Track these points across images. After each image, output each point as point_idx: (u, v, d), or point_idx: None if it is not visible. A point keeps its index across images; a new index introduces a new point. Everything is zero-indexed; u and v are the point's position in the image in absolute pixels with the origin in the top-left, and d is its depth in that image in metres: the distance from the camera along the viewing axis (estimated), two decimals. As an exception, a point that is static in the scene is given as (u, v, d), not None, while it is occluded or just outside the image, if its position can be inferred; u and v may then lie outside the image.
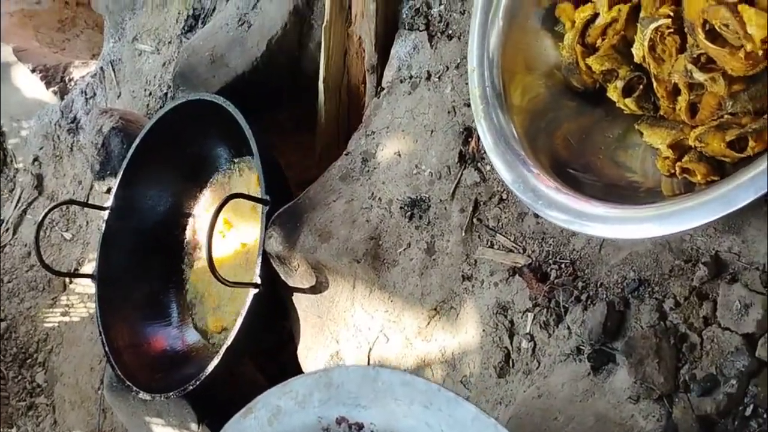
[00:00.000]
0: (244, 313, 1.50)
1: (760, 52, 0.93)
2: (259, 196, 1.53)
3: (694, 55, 1.00)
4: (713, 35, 0.97)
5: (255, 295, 1.50)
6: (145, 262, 1.89)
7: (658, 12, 1.05)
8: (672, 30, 1.04)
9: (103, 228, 1.88)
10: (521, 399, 1.16)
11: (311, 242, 1.46)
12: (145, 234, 1.91)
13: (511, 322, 1.26)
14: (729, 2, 0.95)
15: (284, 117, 1.88)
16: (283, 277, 1.52)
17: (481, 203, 1.34)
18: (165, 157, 1.87)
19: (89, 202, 2.16)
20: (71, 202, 1.92)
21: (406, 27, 1.56)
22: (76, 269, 2.26)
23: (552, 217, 1.04)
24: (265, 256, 1.51)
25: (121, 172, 1.87)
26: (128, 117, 2.06)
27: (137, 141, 1.85)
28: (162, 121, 1.80)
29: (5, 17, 2.79)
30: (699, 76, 1.00)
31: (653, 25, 1.05)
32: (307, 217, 1.49)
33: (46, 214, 1.80)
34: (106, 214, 1.88)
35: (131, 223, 1.89)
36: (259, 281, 1.49)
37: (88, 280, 1.97)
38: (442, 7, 1.51)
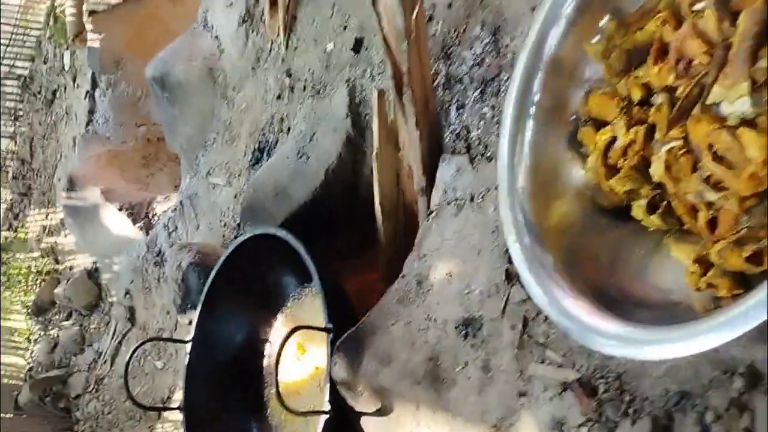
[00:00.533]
0: (318, 435, 1.56)
1: (763, 172, 0.96)
2: (322, 326, 1.61)
3: (705, 176, 1.04)
4: (720, 156, 1.01)
5: (326, 421, 1.56)
6: (228, 391, 1.98)
7: (668, 135, 1.09)
8: (684, 150, 1.08)
9: (187, 360, 1.98)
10: None
11: (373, 367, 1.52)
12: (227, 363, 2.00)
13: (568, 437, 1.28)
14: (730, 126, 1.00)
15: (343, 243, 1.96)
16: (350, 402, 1.58)
17: (530, 320, 1.38)
18: (239, 289, 1.97)
19: (176, 333, 2.28)
20: (153, 339, 2.04)
21: (449, 151, 1.64)
22: (169, 397, 2.37)
23: (585, 340, 1.08)
24: (333, 382, 1.57)
25: (200, 306, 1.98)
26: (205, 250, 2.19)
27: (212, 276, 1.96)
28: (232, 256, 1.91)
29: (92, 160, 3.00)
30: (710, 196, 1.03)
31: (665, 147, 1.09)
32: (369, 342, 1.56)
33: (133, 353, 1.91)
34: (188, 346, 1.99)
35: (213, 353, 1.99)
36: (328, 407, 1.56)
37: (180, 409, 2.06)
38: (480, 131, 1.58)
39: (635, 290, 1.15)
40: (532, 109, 1.27)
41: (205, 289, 1.97)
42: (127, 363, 1.89)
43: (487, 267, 1.47)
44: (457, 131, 1.63)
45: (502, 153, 1.27)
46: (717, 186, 1.03)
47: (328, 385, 1.56)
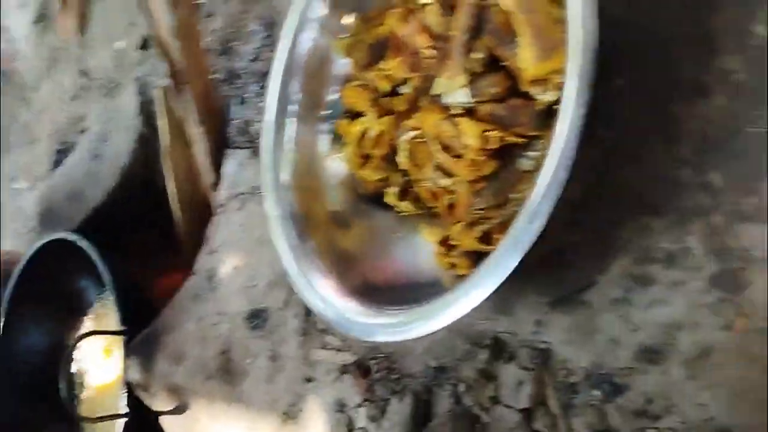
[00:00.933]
0: (116, 441, 1.56)
1: (482, 158, 1.03)
2: (115, 330, 1.60)
3: (437, 163, 1.09)
4: (446, 145, 1.07)
5: (125, 424, 1.56)
6: (38, 401, 1.94)
7: (405, 125, 1.15)
8: (423, 140, 1.13)
9: (-9, 376, 1.93)
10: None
11: (167, 366, 1.53)
12: (35, 373, 1.96)
13: (349, 417, 1.33)
14: (452, 115, 1.05)
15: (143, 242, 1.95)
16: (147, 403, 1.58)
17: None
18: (40, 297, 1.92)
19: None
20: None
21: (233, 146, 1.65)
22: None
23: (351, 332, 1.12)
24: (129, 385, 1.57)
25: (1, 320, 1.93)
26: (11, 258, 2.12)
27: (10, 287, 1.91)
28: (29, 265, 1.86)
29: None
30: (444, 182, 1.09)
31: (405, 137, 1.15)
32: (162, 342, 1.56)
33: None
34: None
35: (18, 365, 1.94)
36: (125, 410, 1.56)
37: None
38: (260, 124, 1.60)
39: (395, 275, 1.20)
40: (292, 108, 1.30)
41: (4, 300, 1.92)
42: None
43: (270, 259, 1.50)
44: (240, 125, 1.65)
45: (264, 152, 1.30)
46: (448, 172, 1.09)
47: (124, 389, 1.56)
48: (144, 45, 1.93)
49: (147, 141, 1.86)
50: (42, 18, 2.33)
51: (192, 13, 1.58)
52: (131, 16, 2.01)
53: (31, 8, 2.34)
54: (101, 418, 1.54)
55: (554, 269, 1.07)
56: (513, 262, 0.93)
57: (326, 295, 1.17)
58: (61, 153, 2.22)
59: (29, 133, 2.35)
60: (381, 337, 1.08)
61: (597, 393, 1.00)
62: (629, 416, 0.97)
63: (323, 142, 1.30)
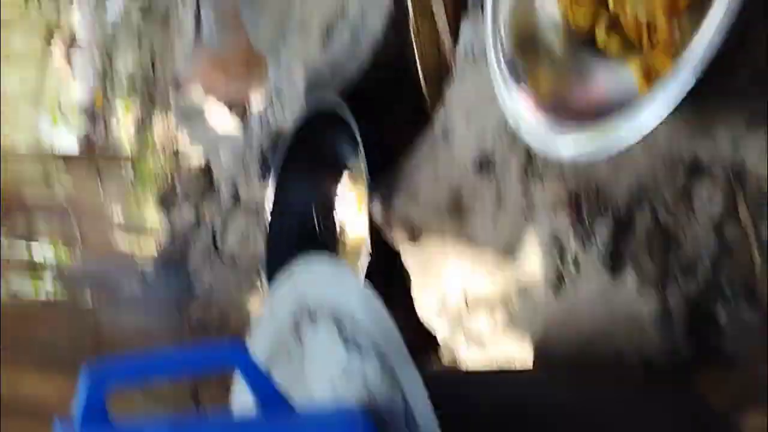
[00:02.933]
0: (361, 278, 1.79)
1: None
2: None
3: (635, -8, 1.17)
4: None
5: (369, 263, 1.79)
6: (304, 249, 2.24)
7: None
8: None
9: (268, 225, 2.26)
10: (553, 307, 1.36)
11: (404, 203, 1.74)
12: (302, 224, 2.26)
13: (561, 247, 1.46)
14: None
15: (400, 109, 2.15)
16: (387, 240, 1.80)
17: (532, 154, 1.55)
18: (307, 157, 2.22)
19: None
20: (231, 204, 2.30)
21: (468, 14, 1.79)
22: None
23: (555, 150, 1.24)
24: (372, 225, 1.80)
25: (275, 174, 2.24)
26: (283, 131, 2.43)
27: (282, 147, 2.21)
28: (297, 130, 2.16)
29: (198, 66, 3.29)
30: (642, 13, 1.17)
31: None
32: (401, 184, 1.77)
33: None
34: (267, 210, 2.26)
35: (288, 216, 2.25)
36: (369, 249, 1.79)
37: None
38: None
39: (601, 106, 1.30)
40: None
41: (278, 159, 2.23)
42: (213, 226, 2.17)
43: (497, 112, 1.63)
44: (476, -7, 1.78)
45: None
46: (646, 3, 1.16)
47: (367, 227, 1.79)
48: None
49: (397, 20, 2.04)
50: None
51: None
52: None
53: None
54: (349, 252, 1.77)
55: (755, 90, 1.11)
56: (689, 78, 1.00)
57: (534, 121, 1.29)
58: (329, 40, 2.47)
59: (304, 25, 2.62)
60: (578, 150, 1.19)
61: (784, 201, 1.05)
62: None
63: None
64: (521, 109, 1.29)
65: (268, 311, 1.04)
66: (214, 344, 0.87)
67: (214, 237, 2.12)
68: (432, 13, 1.92)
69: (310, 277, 1.02)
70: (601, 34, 1.30)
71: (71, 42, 4.99)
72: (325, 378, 0.92)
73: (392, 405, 0.77)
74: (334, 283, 0.94)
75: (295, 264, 1.07)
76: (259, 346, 1.06)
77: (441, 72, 1.99)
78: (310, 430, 0.80)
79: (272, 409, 0.84)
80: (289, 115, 2.70)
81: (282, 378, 0.96)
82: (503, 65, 1.38)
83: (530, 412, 0.90)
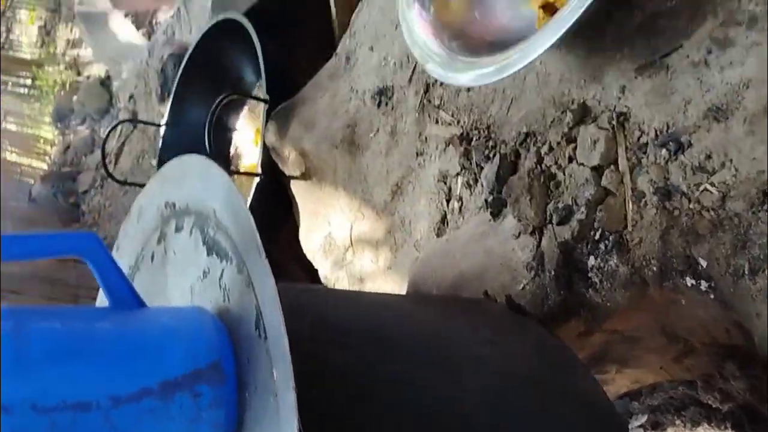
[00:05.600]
0: (249, 198, 1.72)
1: None
2: (259, 96, 1.74)
3: None
4: None
5: (257, 183, 1.71)
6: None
7: None
8: None
9: (160, 142, 2.15)
10: (431, 246, 1.32)
11: (298, 132, 1.66)
12: (197, 145, 2.16)
13: (449, 187, 1.41)
14: None
15: (307, 32, 2.06)
16: (280, 167, 1.73)
17: (430, 85, 1.49)
18: (207, 77, 2.11)
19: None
20: (128, 121, 2.20)
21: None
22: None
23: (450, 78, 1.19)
24: (265, 147, 1.72)
25: (172, 92, 2.13)
26: (187, 45, 2.32)
27: (183, 64, 2.10)
28: (200, 46, 2.04)
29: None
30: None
31: None
32: (298, 112, 1.69)
33: (110, 131, 2.08)
34: (162, 130, 2.15)
35: (183, 136, 2.14)
36: (259, 170, 1.71)
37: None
38: None
39: (498, 37, 1.25)
40: None
41: (177, 76, 2.11)
42: (104, 140, 2.06)
43: (401, 39, 1.57)
44: None
45: None
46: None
47: (259, 149, 1.71)
48: None
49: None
50: None
51: None
52: None
53: None
54: (240, 172, 1.69)
55: (647, 35, 1.08)
56: (583, 7, 0.96)
57: (434, 48, 1.24)
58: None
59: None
60: (471, 83, 1.14)
61: (663, 152, 1.02)
62: (689, 172, 0.99)
63: None
64: (423, 36, 1.22)
65: (136, 212, 0.96)
66: (68, 233, 0.79)
67: (104, 153, 2.01)
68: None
69: (179, 174, 0.95)
70: (508, -36, 1.25)
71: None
72: (186, 284, 0.86)
73: (244, 309, 0.72)
74: (199, 179, 0.87)
75: (167, 164, 0.99)
76: (125, 249, 0.99)
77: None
78: (152, 325, 0.74)
79: (122, 305, 0.77)
80: (195, 29, 2.58)
81: (145, 283, 0.90)
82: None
83: (386, 332, 0.86)
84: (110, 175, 2.06)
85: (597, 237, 1.10)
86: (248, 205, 1.72)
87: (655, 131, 1.04)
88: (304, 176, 1.70)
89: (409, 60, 1.54)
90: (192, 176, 0.88)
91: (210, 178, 0.83)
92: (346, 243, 1.65)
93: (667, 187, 1.02)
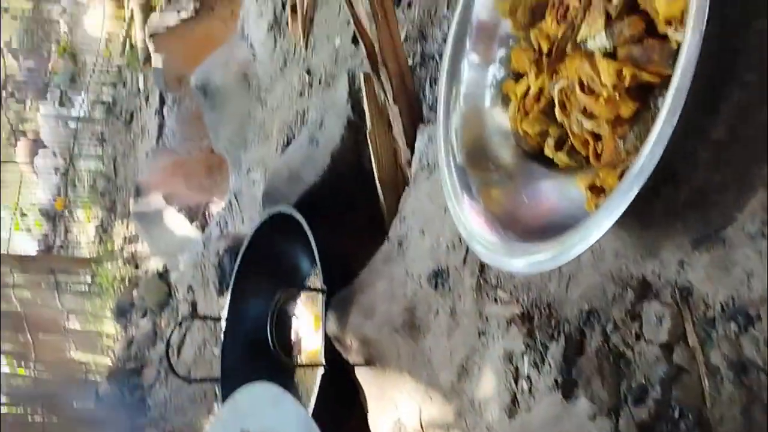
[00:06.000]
0: (315, 390, 1.71)
1: (617, 96, 1.07)
2: (317, 287, 1.77)
3: (581, 107, 1.15)
4: (589, 88, 1.13)
5: (323, 374, 1.72)
6: (259, 360, 2.15)
7: (558, 76, 1.21)
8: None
9: (221, 336, 2.18)
10: (505, 429, 1.30)
11: (358, 320, 1.67)
12: (258, 336, 2.18)
13: (516, 367, 1.40)
14: (593, 58, 1.11)
15: (357, 217, 2.11)
16: (343, 355, 1.73)
17: (485, 265, 1.50)
18: (264, 269, 2.15)
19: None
20: (190, 318, 2.23)
21: (424, 121, 1.77)
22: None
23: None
24: (327, 338, 1.73)
25: (230, 286, 2.17)
26: (242, 238, 2.38)
27: (239, 258, 2.15)
28: (254, 239, 2.10)
29: (159, 170, 3.26)
30: (587, 124, 1.14)
31: (557, 87, 1.21)
32: (356, 300, 1.71)
33: (172, 331, 2.12)
34: (223, 324, 2.18)
35: (244, 328, 2.17)
36: (323, 361, 1.71)
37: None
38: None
39: (550, 222, 1.26)
40: (463, 66, 1.41)
41: (234, 270, 2.16)
42: (168, 340, 2.09)
43: (451, 222, 1.60)
44: (430, 104, 1.77)
45: (438, 109, 1.42)
46: (590, 114, 1.14)
47: (322, 341, 1.72)
48: (354, 39, 2.11)
49: (356, 125, 2.03)
50: (276, 24, 2.59)
51: (387, 2, 1.73)
52: (346, 15, 2.19)
53: (267, 16, 2.61)
54: (302, 366, 1.70)
55: (698, 209, 1.08)
56: (635, 190, 0.97)
57: (485, 236, 1.26)
58: (287, 146, 2.45)
59: (264, 129, 2.61)
60: (528, 269, 1.15)
61: (732, 325, 1.01)
62: (761, 345, 0.97)
63: (489, 96, 1.39)
64: (471, 223, 1.25)
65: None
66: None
67: (168, 351, 2.04)
68: (389, 120, 1.90)
69: (252, 403, 0.96)
70: (549, 147, 1.28)
71: (35, 142, 4.97)
72: None
73: None
74: (274, 410, 0.88)
75: (238, 390, 1.01)
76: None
77: (398, 180, 1.96)
78: None
79: None
80: (247, 220, 2.66)
81: None
82: (455, 177, 1.35)
83: None
84: (175, 373, 2.08)
85: (676, 416, 1.07)
86: (315, 395, 1.71)
87: (721, 305, 1.03)
88: (368, 363, 1.70)
89: (461, 241, 1.56)
90: (265, 405, 0.88)
91: (284, 408, 0.83)
92: (416, 428, 1.63)
93: (742, 361, 1.00)
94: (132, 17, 4.06)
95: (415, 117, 1.82)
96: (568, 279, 1.31)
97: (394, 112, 1.81)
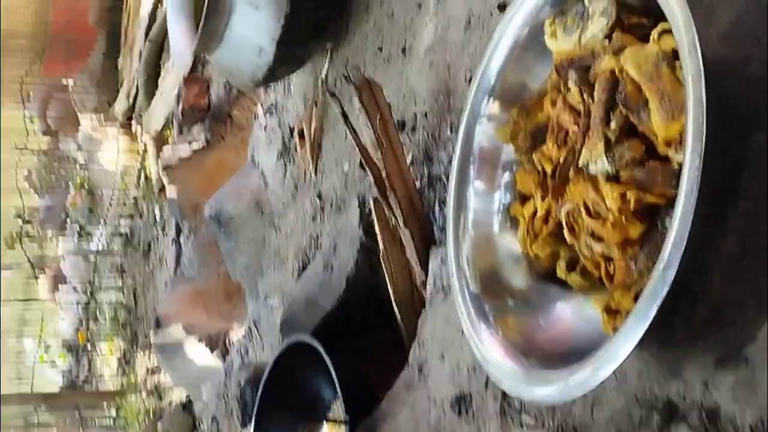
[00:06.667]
0: None
1: (625, 219, 1.07)
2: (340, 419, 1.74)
3: (590, 231, 1.15)
4: (595, 212, 1.13)
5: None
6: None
7: (564, 199, 1.21)
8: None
9: (247, 471, 2.14)
10: None
11: (383, 454, 1.64)
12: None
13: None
14: (596, 183, 1.11)
15: (377, 341, 2.09)
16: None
17: (508, 390, 1.48)
18: (286, 399, 2.12)
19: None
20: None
21: (436, 243, 1.78)
22: None
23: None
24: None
25: (253, 419, 2.14)
26: (261, 367, 2.36)
27: (260, 390, 2.13)
28: (274, 370, 2.08)
29: (178, 300, 3.27)
30: (597, 248, 1.14)
31: (564, 210, 1.21)
32: (379, 429, 1.68)
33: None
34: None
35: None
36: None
37: None
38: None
39: (568, 347, 1.25)
40: (470, 193, 1.42)
41: (256, 402, 2.13)
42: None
43: (470, 346, 1.58)
44: (441, 225, 1.77)
45: (448, 239, 1.41)
46: (599, 237, 1.13)
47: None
48: (362, 164, 2.13)
49: (369, 249, 2.03)
50: (285, 151, 2.63)
51: (389, 128, 1.75)
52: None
53: (276, 144, 2.66)
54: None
55: (718, 327, 1.07)
56: (651, 314, 0.96)
57: (504, 365, 1.24)
58: (303, 270, 2.46)
59: (279, 255, 2.62)
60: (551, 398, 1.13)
61: (765, 448, 0.98)
62: (797, 469, 0.94)
63: (497, 222, 1.39)
64: (490, 353, 1.23)
65: None
66: None
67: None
68: (401, 243, 1.91)
69: None
70: (561, 269, 1.27)
71: (57, 276, 5.01)
72: None
73: None
74: None
75: None
76: None
77: (415, 301, 1.95)
78: None
79: None
80: (267, 347, 2.64)
81: None
82: (470, 305, 1.34)
83: None
84: None
85: None
86: None
87: (750, 428, 1.00)
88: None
89: (482, 365, 1.54)
90: None
91: None
92: None
93: (778, 486, 0.96)
94: (145, 150, 4.15)
95: (426, 239, 1.82)
96: (593, 402, 1.28)
97: (405, 235, 1.82)
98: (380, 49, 2.13)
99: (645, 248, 1.11)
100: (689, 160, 0.94)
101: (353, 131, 1.81)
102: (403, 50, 2.02)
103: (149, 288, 4.06)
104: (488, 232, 1.39)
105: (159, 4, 3.85)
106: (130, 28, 4.28)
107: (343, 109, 1.84)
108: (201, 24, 2.07)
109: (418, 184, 1.87)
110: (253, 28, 2.12)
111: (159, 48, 3.91)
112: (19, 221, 4.50)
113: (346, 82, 1.79)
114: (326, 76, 2.40)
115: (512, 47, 1.34)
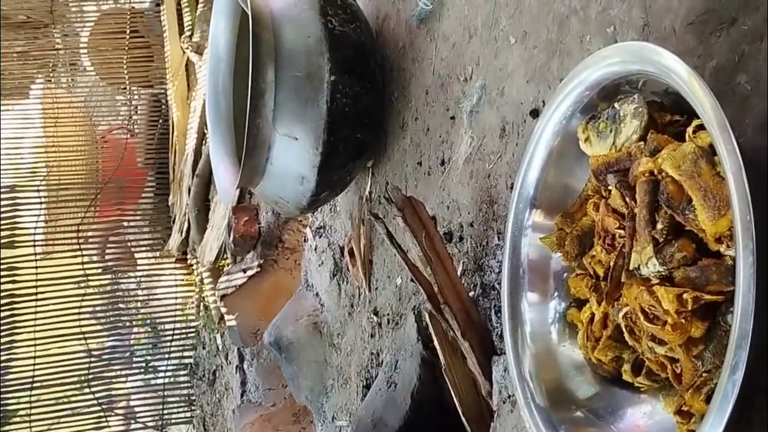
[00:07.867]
0: None
1: (684, 321, 1.05)
2: None
3: (649, 334, 1.13)
4: (653, 315, 1.11)
5: None
6: None
7: (621, 302, 1.20)
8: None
9: None
10: None
11: None
12: None
13: None
14: (650, 285, 1.10)
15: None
16: None
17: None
18: None
19: None
20: None
21: (497, 351, 1.76)
22: None
23: None
24: None
25: None
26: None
27: None
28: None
29: (247, 428, 3.25)
30: (660, 350, 1.12)
31: (621, 314, 1.19)
32: None
33: None
34: None
35: None
36: None
37: None
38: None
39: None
40: (524, 304, 1.41)
41: None
42: None
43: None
44: (500, 333, 1.76)
45: (507, 348, 1.40)
46: (660, 340, 1.11)
47: None
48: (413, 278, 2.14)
49: (430, 362, 2.01)
50: (338, 271, 2.65)
51: (437, 242, 1.76)
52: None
53: (328, 265, 2.68)
54: None
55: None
56: (726, 415, 0.93)
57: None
58: (368, 387, 2.44)
59: (342, 374, 2.61)
60: None
61: None
62: None
63: (555, 331, 1.38)
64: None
65: None
66: None
67: None
68: (462, 354, 1.89)
69: None
70: (627, 373, 1.25)
71: (126, 416, 5.03)
72: None
73: None
74: None
75: None
76: None
77: (483, 412, 1.92)
78: None
79: None
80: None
81: None
82: (538, 419, 1.32)
83: None
84: None
85: None
86: None
87: None
88: None
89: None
90: None
91: None
92: None
93: None
94: (202, 281, 4.20)
95: (486, 349, 1.81)
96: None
97: (465, 347, 1.80)
98: (419, 163, 2.16)
99: (710, 346, 1.08)
100: (742, 258, 0.93)
101: (401, 250, 1.82)
102: (442, 162, 2.04)
103: (218, 417, 4.06)
104: (548, 343, 1.38)
105: (203, 141, 3.97)
106: (178, 165, 4.40)
107: (387, 230, 1.86)
108: (242, 160, 2.12)
109: (472, 293, 1.86)
110: (294, 158, 2.16)
111: (207, 182, 4.01)
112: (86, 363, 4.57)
113: (387, 203, 1.82)
114: (370, 193, 2.44)
115: (547, 156, 1.35)
